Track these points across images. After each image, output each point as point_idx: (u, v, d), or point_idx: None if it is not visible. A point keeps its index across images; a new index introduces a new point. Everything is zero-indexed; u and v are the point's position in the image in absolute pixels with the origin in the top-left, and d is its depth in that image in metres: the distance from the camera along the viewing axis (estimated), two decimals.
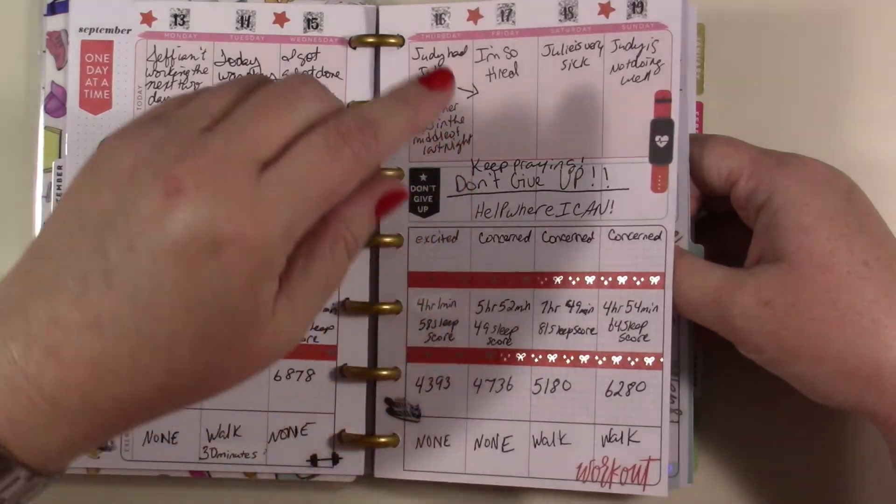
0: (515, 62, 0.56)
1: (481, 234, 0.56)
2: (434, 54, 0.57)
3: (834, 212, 0.50)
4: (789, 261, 0.49)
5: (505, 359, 0.56)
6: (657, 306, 0.54)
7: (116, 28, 0.58)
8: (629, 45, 0.55)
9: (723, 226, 0.56)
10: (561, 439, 0.55)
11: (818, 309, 0.49)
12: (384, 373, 0.57)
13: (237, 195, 0.41)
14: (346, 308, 0.57)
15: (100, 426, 0.42)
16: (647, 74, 0.54)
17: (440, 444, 0.57)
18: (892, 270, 0.49)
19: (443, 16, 0.57)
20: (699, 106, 0.57)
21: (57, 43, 0.58)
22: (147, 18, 0.58)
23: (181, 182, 0.40)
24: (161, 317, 0.40)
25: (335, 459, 0.58)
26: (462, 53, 0.57)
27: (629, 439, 0.54)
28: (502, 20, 0.56)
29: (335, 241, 0.45)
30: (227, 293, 0.41)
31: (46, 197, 0.58)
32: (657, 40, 0.54)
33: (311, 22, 0.58)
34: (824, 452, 0.58)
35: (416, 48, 0.57)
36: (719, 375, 0.58)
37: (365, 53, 0.58)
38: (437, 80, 0.47)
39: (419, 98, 0.46)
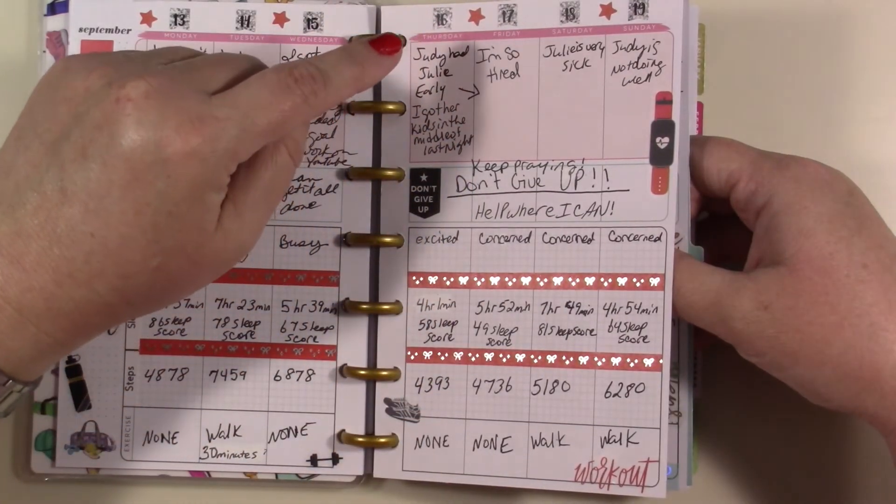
0: (517, 63, 0.56)
1: (481, 234, 0.56)
2: (436, 54, 0.57)
3: (833, 214, 0.50)
4: (789, 264, 0.49)
5: (504, 359, 0.56)
6: (657, 308, 0.54)
7: (116, 28, 0.58)
8: (630, 47, 0.55)
9: (724, 227, 0.56)
10: (560, 440, 0.55)
11: (817, 312, 0.49)
12: (384, 373, 0.57)
13: (185, 108, 0.44)
14: (346, 308, 0.57)
15: (64, 329, 0.45)
16: (649, 76, 0.54)
17: (439, 444, 0.57)
18: (892, 273, 0.49)
19: (444, 16, 0.57)
20: (700, 106, 0.57)
21: (57, 43, 0.58)
22: (147, 18, 0.58)
23: (132, 92, 0.44)
24: (111, 221, 0.43)
25: (335, 459, 0.58)
26: (463, 54, 0.57)
27: (628, 440, 0.55)
28: (504, 21, 0.56)
29: (276, 147, 0.48)
30: (172, 198, 0.44)
31: None
32: (658, 42, 0.54)
33: (311, 22, 0.58)
34: (824, 454, 0.58)
35: (418, 48, 0.57)
36: (719, 377, 0.58)
37: None
38: (385, 44, 0.51)
39: (366, 59, 0.50)
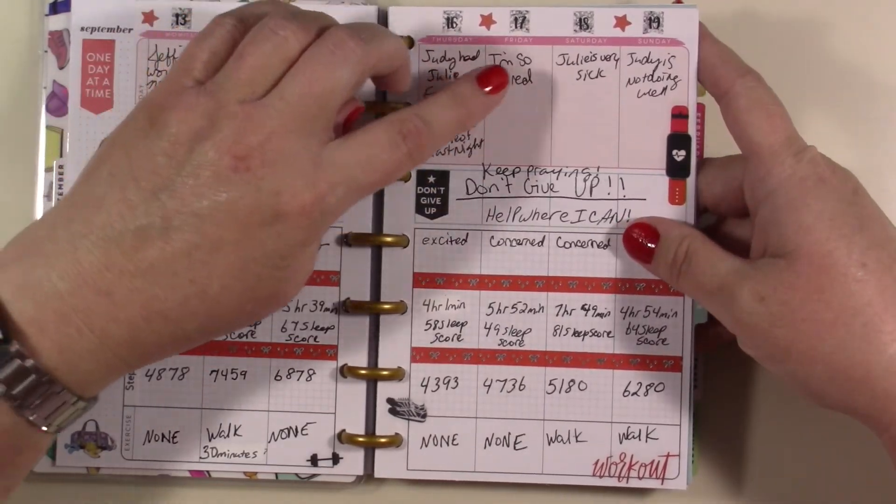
0: (529, 69, 0.58)
1: (492, 237, 0.58)
2: (445, 57, 0.58)
3: (835, 212, 0.50)
4: (788, 259, 0.50)
5: (517, 360, 0.58)
6: (676, 312, 0.56)
7: (118, 27, 0.59)
8: (645, 60, 0.57)
9: (726, 229, 0.57)
10: (577, 437, 0.57)
11: (811, 309, 0.50)
12: (385, 373, 0.58)
13: (300, 171, 0.47)
14: (346, 308, 0.59)
15: (139, 356, 0.48)
16: (664, 89, 0.56)
17: (447, 443, 0.58)
18: (892, 274, 0.50)
19: (454, 19, 0.58)
20: (701, 108, 0.58)
21: (59, 42, 0.60)
22: (148, 18, 0.59)
23: (249, 161, 0.46)
24: (216, 272, 0.46)
25: (335, 459, 0.59)
26: (474, 58, 0.58)
27: (647, 437, 0.56)
28: (516, 27, 0.58)
29: None
30: (279, 254, 0.47)
31: (48, 196, 0.60)
32: (674, 56, 0.56)
33: None
34: (824, 456, 0.60)
35: (427, 50, 0.58)
36: (720, 379, 0.60)
37: None
38: (492, 79, 0.54)
39: (472, 100, 0.53)
